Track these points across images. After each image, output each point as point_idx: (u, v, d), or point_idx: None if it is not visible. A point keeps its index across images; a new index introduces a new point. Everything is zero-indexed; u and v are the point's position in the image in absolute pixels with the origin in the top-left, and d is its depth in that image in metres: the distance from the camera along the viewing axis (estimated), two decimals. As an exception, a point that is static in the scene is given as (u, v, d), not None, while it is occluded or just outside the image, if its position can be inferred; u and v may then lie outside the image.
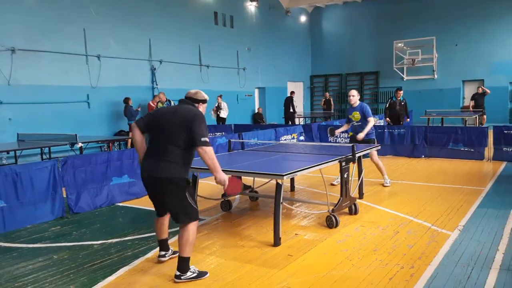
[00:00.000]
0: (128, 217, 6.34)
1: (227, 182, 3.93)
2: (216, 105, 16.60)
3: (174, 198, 3.88)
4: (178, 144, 3.82)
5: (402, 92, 12.60)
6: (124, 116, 13.72)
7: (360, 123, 7.65)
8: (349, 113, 7.80)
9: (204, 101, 4.09)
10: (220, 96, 16.76)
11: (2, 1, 11.13)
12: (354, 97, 7.64)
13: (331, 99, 21.70)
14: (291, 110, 18.99)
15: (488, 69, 20.21)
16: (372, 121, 7.59)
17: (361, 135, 7.48)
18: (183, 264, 3.94)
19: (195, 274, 3.97)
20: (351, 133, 8.00)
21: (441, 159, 10.55)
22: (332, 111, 21.47)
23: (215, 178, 3.92)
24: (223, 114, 16.64)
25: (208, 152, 3.78)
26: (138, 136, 4.00)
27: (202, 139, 3.76)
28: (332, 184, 7.79)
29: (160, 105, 13.26)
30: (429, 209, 6.14)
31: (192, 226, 3.92)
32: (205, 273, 4.05)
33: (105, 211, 6.65)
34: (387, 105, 12.69)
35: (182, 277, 3.92)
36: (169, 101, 13.76)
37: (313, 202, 6.52)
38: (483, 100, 16.89)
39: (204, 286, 3.87)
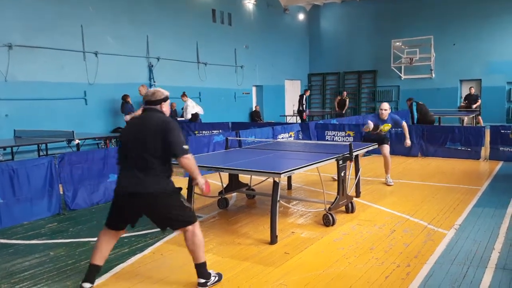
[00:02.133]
0: (125, 214, 6.32)
1: (205, 186, 3.75)
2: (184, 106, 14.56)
3: (167, 210, 3.61)
4: (157, 156, 3.55)
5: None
6: (121, 113, 13.70)
7: (386, 132, 7.94)
8: (378, 123, 7.80)
9: (165, 99, 3.79)
10: (183, 94, 14.64)
11: (-1, -4, 11.08)
12: (387, 111, 7.75)
13: (347, 99, 20.22)
14: (300, 108, 17.96)
15: (485, 68, 20.23)
16: (406, 124, 8.16)
17: (408, 142, 8.12)
18: (203, 270, 3.75)
19: (217, 278, 3.85)
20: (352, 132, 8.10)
21: (438, 158, 10.58)
22: (344, 111, 19.90)
23: (197, 183, 3.73)
24: (188, 115, 14.37)
25: (191, 158, 3.62)
26: None
27: (184, 146, 3.57)
28: (334, 179, 7.80)
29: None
30: (425, 208, 6.16)
31: (195, 228, 3.69)
32: (221, 275, 3.92)
33: (102, 208, 6.63)
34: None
35: (208, 284, 3.75)
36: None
37: (310, 200, 6.53)
38: (474, 102, 17.09)
39: (200, 283, 3.87)
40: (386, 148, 7.80)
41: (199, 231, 3.71)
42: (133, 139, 3.61)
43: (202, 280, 3.74)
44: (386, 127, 7.77)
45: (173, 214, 3.62)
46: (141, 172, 3.55)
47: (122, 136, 3.81)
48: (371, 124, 7.54)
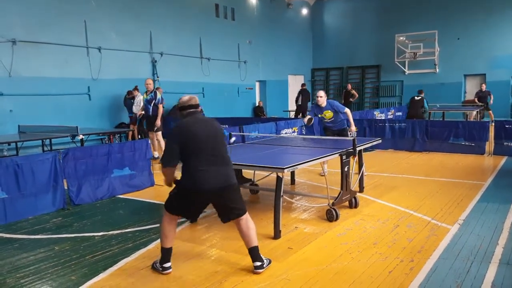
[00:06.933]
0: (129, 209, 6.36)
1: None
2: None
3: (237, 198, 4.03)
4: (226, 151, 4.03)
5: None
6: (125, 106, 13.73)
7: (333, 119, 7.83)
8: (318, 113, 7.88)
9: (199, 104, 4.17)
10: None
11: (3, -8, 11.09)
12: (322, 98, 7.78)
13: (353, 91, 19.67)
14: (299, 102, 18.33)
15: (490, 63, 20.12)
16: (349, 111, 7.86)
17: (353, 128, 7.87)
18: (258, 253, 3.99)
19: (268, 261, 4.07)
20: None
21: (442, 153, 10.55)
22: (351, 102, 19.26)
23: None
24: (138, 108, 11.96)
25: None
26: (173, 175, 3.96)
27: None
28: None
29: (145, 96, 10.42)
30: (429, 203, 6.15)
31: (247, 215, 4.05)
32: (270, 260, 4.13)
33: (106, 203, 6.67)
34: None
35: (264, 266, 3.98)
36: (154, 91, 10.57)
37: (313, 195, 6.53)
38: (486, 98, 17.01)
39: (203, 277, 3.89)
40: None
41: (249, 216, 4.06)
42: (206, 137, 3.89)
43: (259, 263, 3.95)
44: (327, 113, 7.77)
45: (237, 204, 3.99)
46: (221, 166, 3.91)
47: (192, 136, 3.83)
48: (306, 118, 7.73)
